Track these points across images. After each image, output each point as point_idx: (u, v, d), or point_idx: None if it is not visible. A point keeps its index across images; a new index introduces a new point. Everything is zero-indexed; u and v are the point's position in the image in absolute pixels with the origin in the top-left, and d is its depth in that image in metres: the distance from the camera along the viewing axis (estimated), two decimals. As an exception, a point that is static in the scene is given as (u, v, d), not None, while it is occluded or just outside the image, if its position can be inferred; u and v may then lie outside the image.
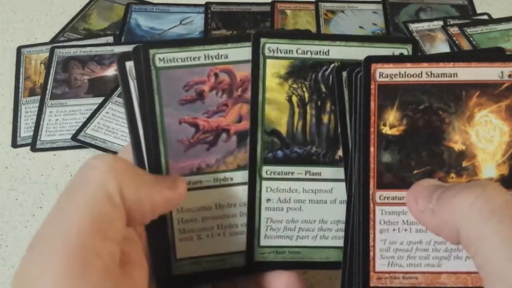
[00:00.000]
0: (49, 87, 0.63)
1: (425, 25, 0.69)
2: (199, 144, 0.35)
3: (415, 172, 0.33)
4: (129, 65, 0.34)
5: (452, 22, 0.69)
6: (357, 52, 0.35)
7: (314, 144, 0.35)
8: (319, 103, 0.35)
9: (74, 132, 0.59)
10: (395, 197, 0.33)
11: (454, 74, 0.33)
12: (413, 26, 0.69)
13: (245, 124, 0.35)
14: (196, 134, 0.35)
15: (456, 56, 0.33)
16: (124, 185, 0.29)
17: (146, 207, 0.30)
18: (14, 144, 0.59)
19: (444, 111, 0.33)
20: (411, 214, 0.33)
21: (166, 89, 0.34)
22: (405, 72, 0.33)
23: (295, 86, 0.35)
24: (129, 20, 0.72)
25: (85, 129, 0.59)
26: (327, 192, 0.35)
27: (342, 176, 0.35)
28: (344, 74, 0.34)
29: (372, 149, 0.33)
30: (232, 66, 0.35)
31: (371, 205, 0.33)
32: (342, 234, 0.35)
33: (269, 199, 0.35)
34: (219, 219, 0.36)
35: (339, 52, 0.35)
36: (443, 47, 0.66)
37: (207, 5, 0.73)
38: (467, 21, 0.69)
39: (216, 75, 0.35)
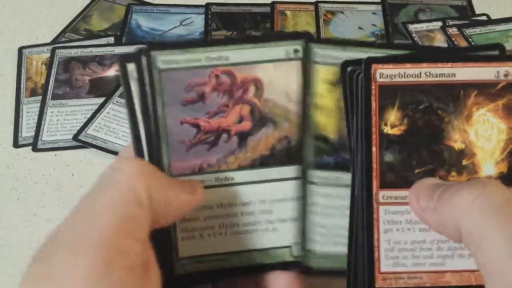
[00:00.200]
0: (50, 87, 0.63)
1: (424, 26, 0.69)
2: (201, 144, 0.35)
3: (416, 171, 0.33)
4: (131, 66, 0.35)
5: (451, 23, 0.69)
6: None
7: None
8: None
9: (75, 132, 0.59)
10: (398, 196, 0.33)
11: (452, 74, 0.33)
12: (412, 27, 0.69)
13: (245, 125, 0.35)
14: (198, 135, 0.35)
15: (454, 53, 0.34)
16: (151, 188, 0.30)
17: (170, 210, 0.31)
18: (16, 144, 0.59)
19: (443, 110, 0.33)
20: (413, 213, 0.33)
21: (168, 90, 0.34)
22: (404, 73, 0.33)
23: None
24: (129, 21, 0.72)
25: (86, 129, 0.59)
26: None
27: None
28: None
29: (374, 149, 0.33)
30: (233, 67, 0.35)
31: (375, 205, 0.33)
32: None
33: (316, 204, 0.36)
34: (221, 218, 0.36)
35: None
36: (442, 48, 0.67)
37: (207, 6, 0.73)
38: (466, 22, 0.69)
39: (217, 76, 0.35)
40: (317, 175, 0.35)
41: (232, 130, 0.35)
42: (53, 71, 0.65)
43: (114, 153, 0.57)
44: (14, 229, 0.52)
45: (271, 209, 0.36)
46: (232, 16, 0.72)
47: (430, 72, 0.33)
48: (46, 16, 0.73)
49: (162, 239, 0.35)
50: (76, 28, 0.71)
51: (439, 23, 0.69)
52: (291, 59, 0.35)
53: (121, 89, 0.60)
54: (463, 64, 0.33)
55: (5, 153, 0.59)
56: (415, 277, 0.33)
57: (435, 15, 0.71)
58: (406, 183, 0.33)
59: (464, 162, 0.33)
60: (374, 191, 0.33)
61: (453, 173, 0.33)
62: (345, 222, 0.35)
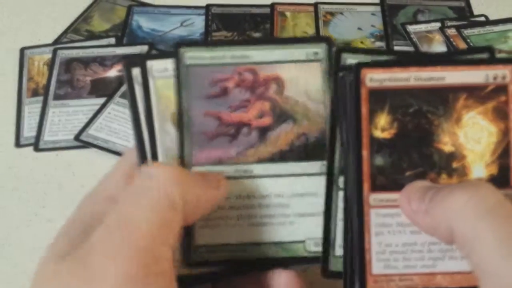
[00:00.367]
0: (52, 87, 0.64)
1: (422, 27, 0.69)
2: (222, 137, 0.36)
3: (407, 174, 0.34)
4: (136, 71, 0.36)
5: (449, 23, 0.69)
6: None
7: None
8: None
9: (76, 132, 0.59)
10: (389, 199, 0.34)
11: (441, 77, 0.33)
12: (411, 28, 0.69)
13: (266, 120, 0.36)
14: (219, 127, 0.36)
15: (443, 59, 0.34)
16: (184, 190, 0.31)
17: (199, 207, 0.33)
18: (17, 144, 0.60)
19: (433, 113, 0.33)
20: (404, 215, 0.33)
21: (194, 84, 0.36)
22: (394, 77, 0.33)
23: None
24: (130, 21, 0.72)
25: (87, 129, 0.59)
26: None
27: None
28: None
29: (365, 152, 0.33)
30: (256, 66, 0.36)
31: (366, 208, 0.34)
32: None
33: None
34: (239, 210, 0.36)
35: None
36: (440, 49, 0.67)
37: (207, 7, 0.74)
38: (464, 22, 0.70)
39: (240, 73, 0.36)
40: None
41: (252, 124, 0.36)
42: (55, 72, 0.65)
43: (115, 153, 0.57)
44: (15, 229, 0.52)
45: (289, 203, 0.37)
46: (232, 17, 0.73)
47: (419, 76, 0.33)
48: (48, 17, 0.74)
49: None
50: (78, 29, 0.72)
51: (438, 24, 0.69)
52: (311, 61, 0.37)
53: (122, 90, 0.61)
54: (452, 68, 0.34)
55: (7, 153, 0.59)
56: (407, 279, 0.33)
57: (433, 16, 0.72)
58: (397, 186, 0.33)
59: (454, 165, 0.34)
60: (365, 194, 0.34)
61: (444, 176, 0.33)
62: None
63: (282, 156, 0.36)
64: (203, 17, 0.73)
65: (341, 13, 0.72)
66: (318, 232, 0.36)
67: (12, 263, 0.50)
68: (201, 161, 0.36)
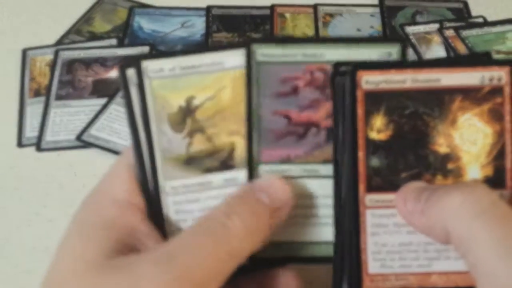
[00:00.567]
0: (53, 88, 0.64)
1: (421, 28, 0.70)
2: (290, 136, 0.36)
3: (403, 175, 0.34)
4: (131, 72, 0.36)
5: (448, 25, 0.69)
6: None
7: None
8: None
9: (78, 132, 0.60)
10: (385, 200, 0.34)
11: (437, 79, 0.34)
12: (409, 29, 0.69)
13: None
14: (288, 126, 0.36)
15: (440, 63, 0.34)
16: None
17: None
18: (19, 144, 0.60)
19: (429, 115, 0.34)
20: (400, 215, 0.33)
21: (264, 82, 0.36)
22: (390, 79, 0.34)
23: None
24: (132, 23, 0.73)
25: (89, 129, 0.60)
26: None
27: None
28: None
29: (360, 153, 0.34)
30: (328, 65, 0.36)
31: (362, 208, 0.34)
32: None
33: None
34: (304, 209, 0.37)
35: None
36: (438, 50, 0.67)
37: (208, 9, 0.74)
38: (462, 24, 0.70)
39: (311, 72, 0.36)
40: None
41: (321, 125, 0.36)
42: (57, 72, 0.65)
43: (117, 153, 0.58)
44: (16, 229, 0.53)
45: None
46: (232, 19, 0.73)
47: (415, 78, 0.34)
48: (50, 18, 0.74)
49: None
50: (79, 30, 0.72)
51: (436, 25, 0.70)
52: None
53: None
54: (448, 70, 0.34)
55: (9, 153, 0.59)
56: (402, 279, 0.34)
57: (432, 17, 0.72)
58: (392, 187, 0.34)
59: (450, 166, 0.34)
60: (360, 195, 0.34)
61: (439, 177, 0.34)
62: None
63: None
64: (203, 18, 0.73)
65: (340, 15, 0.73)
66: None
67: (12, 263, 0.50)
68: (269, 159, 0.36)
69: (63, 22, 0.73)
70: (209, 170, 0.36)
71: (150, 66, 0.36)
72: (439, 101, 0.34)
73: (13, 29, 0.73)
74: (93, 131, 0.60)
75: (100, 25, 0.73)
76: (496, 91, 0.34)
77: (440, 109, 0.34)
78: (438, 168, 0.34)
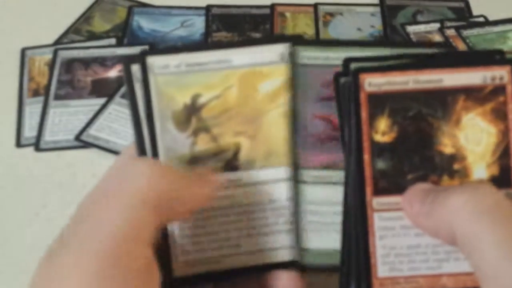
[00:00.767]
0: (52, 88, 0.64)
1: (422, 27, 0.70)
2: (330, 140, 0.36)
3: (409, 177, 0.34)
4: (135, 67, 0.35)
5: (448, 24, 0.69)
6: None
7: None
8: None
9: (77, 132, 0.59)
10: (392, 202, 0.34)
11: (439, 80, 0.34)
12: (410, 28, 0.69)
13: None
14: (330, 130, 0.36)
15: (440, 60, 0.34)
16: (160, 188, 0.30)
17: (182, 207, 0.32)
18: (18, 144, 0.60)
19: (432, 116, 0.34)
20: (407, 218, 0.33)
21: (306, 85, 0.35)
22: (392, 81, 0.34)
23: None
24: (131, 22, 0.72)
25: (88, 129, 0.59)
26: None
27: None
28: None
29: (366, 156, 0.34)
30: None
31: (369, 212, 0.34)
32: None
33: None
34: (335, 215, 0.36)
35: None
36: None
37: (208, 8, 0.74)
38: (463, 23, 0.70)
39: None
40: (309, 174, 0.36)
41: None
42: (56, 72, 0.65)
43: (116, 153, 0.57)
44: (16, 229, 0.52)
45: None
46: (232, 18, 0.73)
47: (417, 79, 0.34)
48: (49, 17, 0.74)
49: (163, 241, 0.35)
50: (78, 30, 0.72)
51: (437, 25, 0.69)
52: None
53: (122, 90, 0.61)
54: (450, 70, 0.34)
55: (8, 153, 0.59)
56: (412, 281, 0.33)
57: (433, 16, 0.72)
58: (399, 189, 0.34)
59: (455, 166, 0.34)
60: (368, 198, 0.34)
61: (445, 178, 0.34)
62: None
63: None
64: (203, 18, 0.73)
65: (341, 14, 0.72)
66: None
67: (12, 262, 0.50)
68: (312, 164, 0.36)
69: (62, 21, 0.73)
70: (213, 170, 0.36)
71: (155, 62, 0.35)
72: (442, 101, 0.34)
73: (12, 29, 0.73)
74: (92, 131, 0.59)
75: (100, 25, 0.73)
76: (499, 90, 0.34)
77: (443, 110, 0.34)
78: (444, 169, 0.34)
